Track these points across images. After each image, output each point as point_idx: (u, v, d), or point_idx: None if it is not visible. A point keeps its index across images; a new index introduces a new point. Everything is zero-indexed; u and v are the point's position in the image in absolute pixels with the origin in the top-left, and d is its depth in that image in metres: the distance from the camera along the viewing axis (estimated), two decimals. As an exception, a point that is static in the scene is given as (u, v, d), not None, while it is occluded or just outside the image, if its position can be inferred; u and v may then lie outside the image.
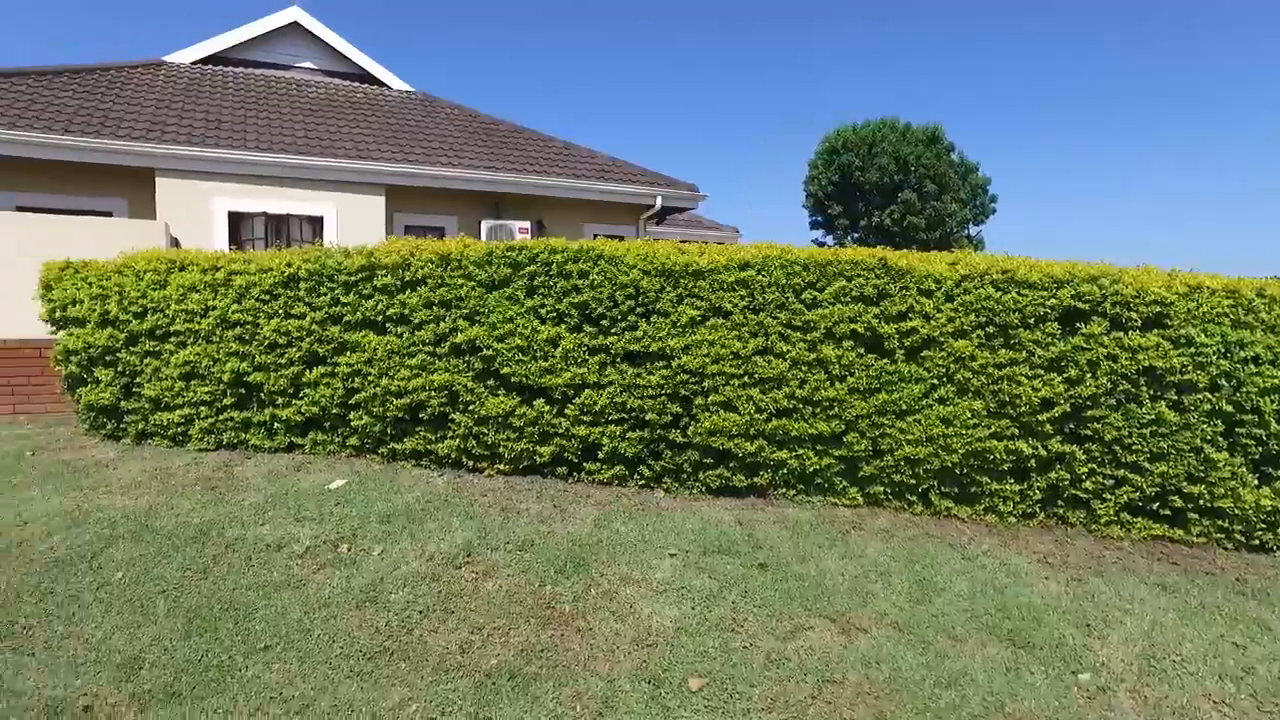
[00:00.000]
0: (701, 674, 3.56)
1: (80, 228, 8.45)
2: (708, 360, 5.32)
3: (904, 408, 5.34)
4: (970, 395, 5.33)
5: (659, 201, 12.92)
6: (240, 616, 3.80)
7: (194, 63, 13.38)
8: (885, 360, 5.38)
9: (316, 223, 10.85)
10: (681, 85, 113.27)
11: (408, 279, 5.63)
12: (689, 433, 5.41)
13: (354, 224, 10.85)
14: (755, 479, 5.53)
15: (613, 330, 5.41)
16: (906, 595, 4.35)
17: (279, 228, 10.66)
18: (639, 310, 5.39)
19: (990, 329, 5.28)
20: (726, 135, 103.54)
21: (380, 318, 5.73)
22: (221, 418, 6.09)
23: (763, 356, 5.37)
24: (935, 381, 5.35)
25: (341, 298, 5.78)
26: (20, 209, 9.93)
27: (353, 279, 5.76)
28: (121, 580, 4.10)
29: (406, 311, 5.63)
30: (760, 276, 5.35)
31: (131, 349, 6.19)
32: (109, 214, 10.39)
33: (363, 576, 4.17)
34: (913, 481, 5.44)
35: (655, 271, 5.36)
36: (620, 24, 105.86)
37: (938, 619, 4.12)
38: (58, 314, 6.38)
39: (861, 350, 5.39)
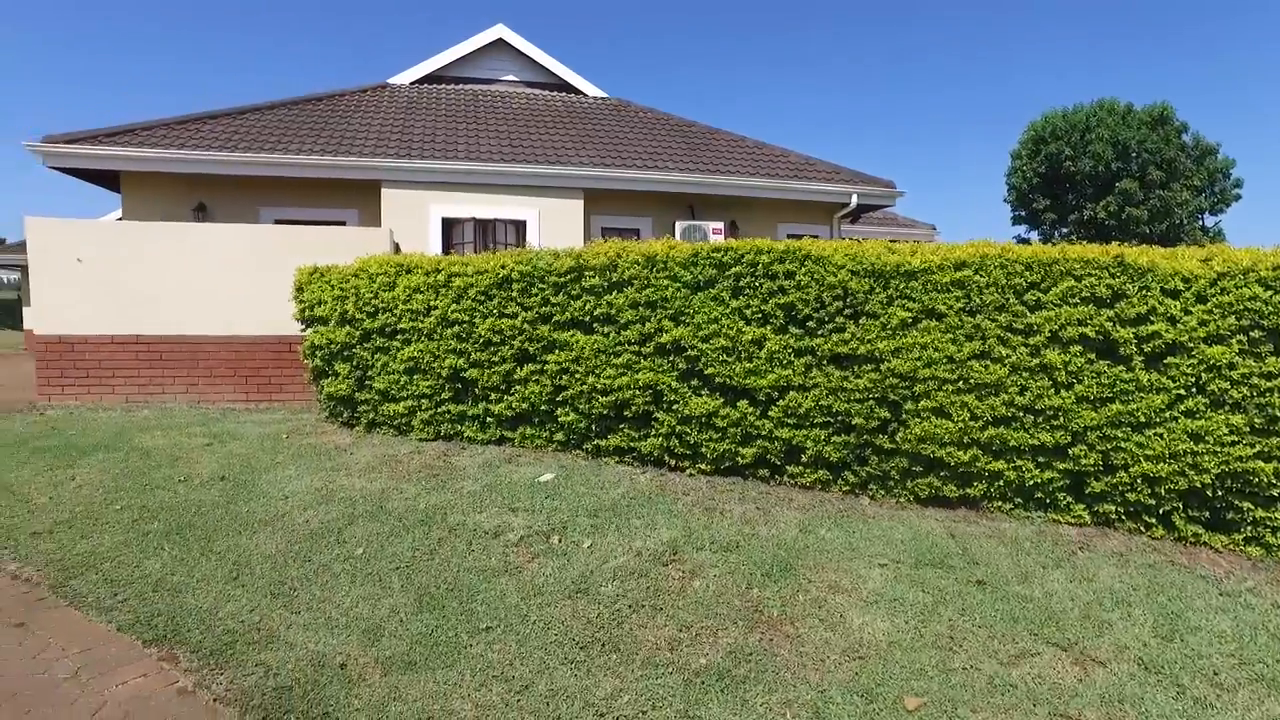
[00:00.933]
0: (918, 693, 3.36)
1: (324, 236, 9.40)
2: (919, 364, 5.04)
3: (1142, 420, 4.78)
4: (1228, 409, 4.69)
5: (854, 200, 12.51)
6: (464, 597, 4.03)
7: (412, 83, 14.54)
8: (1120, 367, 4.85)
9: (520, 226, 11.44)
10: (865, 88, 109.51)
11: (614, 280, 5.77)
12: (897, 439, 5.16)
13: (555, 227, 11.34)
14: (968, 490, 5.17)
15: (819, 332, 5.26)
16: (1151, 629, 3.88)
17: (486, 231, 11.34)
18: (847, 312, 5.21)
19: (1256, 334, 4.62)
20: (915, 132, 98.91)
21: (588, 318, 5.91)
22: (440, 410, 6.54)
23: (979, 361, 5.01)
24: (1181, 392, 4.76)
25: (551, 298, 6.03)
26: (279, 222, 11.23)
27: (562, 280, 5.99)
28: (362, 555, 4.49)
29: (613, 312, 5.77)
30: (978, 277, 5.00)
31: (365, 345, 6.79)
32: (343, 223, 11.52)
33: (574, 568, 4.31)
34: (1151, 502, 4.87)
35: (864, 272, 5.15)
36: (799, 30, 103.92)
37: (1193, 661, 3.65)
38: (306, 313, 7.13)
39: (1091, 356, 4.89)
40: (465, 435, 6.51)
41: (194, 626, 3.72)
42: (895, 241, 5.54)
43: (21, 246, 24.04)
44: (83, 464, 6.01)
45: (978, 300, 5.01)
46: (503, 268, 6.21)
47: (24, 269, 23.48)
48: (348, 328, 6.82)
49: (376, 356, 6.75)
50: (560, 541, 4.63)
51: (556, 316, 6.04)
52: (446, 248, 11.15)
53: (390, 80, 14.45)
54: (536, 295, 6.09)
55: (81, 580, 4.19)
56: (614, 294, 5.79)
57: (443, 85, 14.60)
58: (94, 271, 8.69)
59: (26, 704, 3.13)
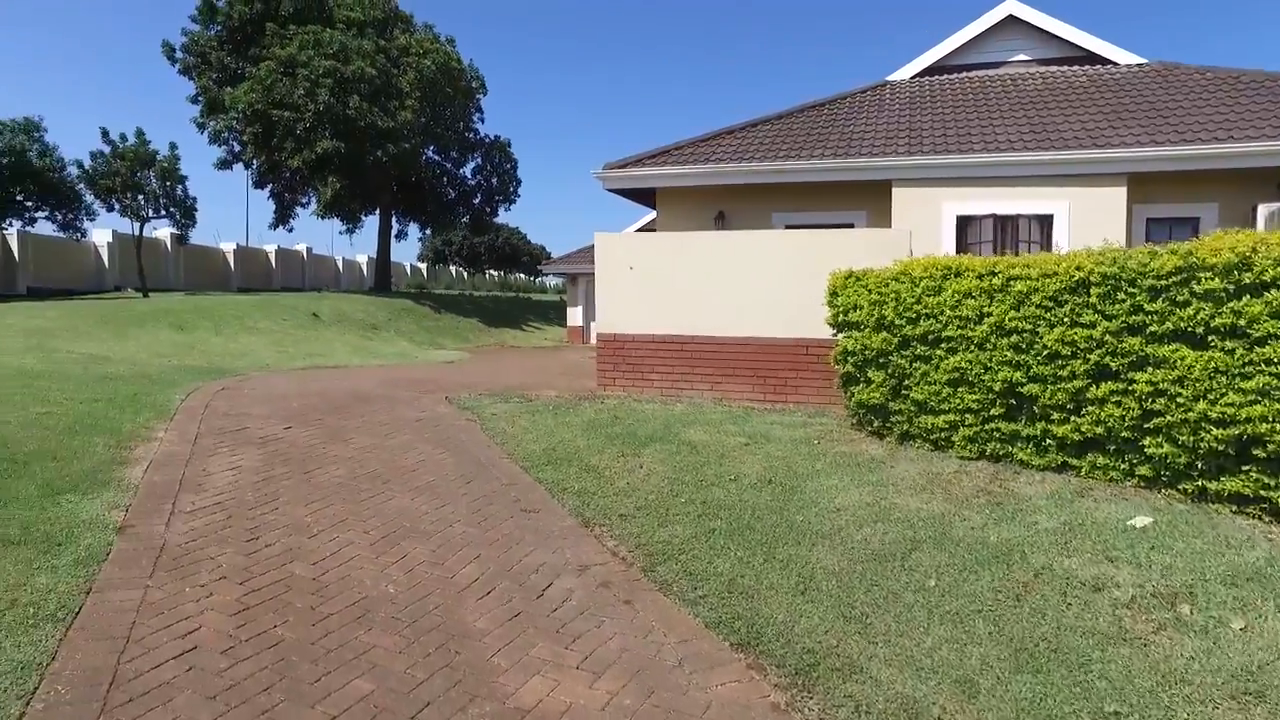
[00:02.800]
0: None
1: (841, 240, 9.41)
2: None
3: None
4: None
5: None
6: (1072, 664, 3.40)
7: (912, 78, 13.98)
8: None
9: (1045, 221, 10.17)
10: None
11: (1247, 282, 4.55)
12: None
13: (1088, 220, 9.83)
14: None
15: None
16: None
17: (1005, 229, 10.31)
18: None
19: None
20: None
21: (1199, 329, 4.77)
22: (987, 427, 5.93)
23: None
24: None
25: (1145, 305, 5.01)
26: (789, 226, 11.68)
27: (1162, 283, 4.93)
28: (935, 588, 4.12)
29: (1242, 322, 4.56)
30: None
31: (903, 352, 6.48)
32: (851, 225, 11.49)
33: (1230, 656, 3.37)
34: None
35: None
36: None
37: None
38: (839, 318, 7.09)
39: None
40: (1016, 458, 5.80)
41: (773, 638, 3.70)
42: None
43: (565, 259, 29.30)
44: (645, 453, 6.72)
45: None
46: (1078, 269, 5.35)
47: (569, 276, 28.58)
48: (884, 334, 6.59)
49: (915, 365, 6.39)
50: (1193, 613, 3.71)
51: (1151, 327, 5.00)
52: (960, 247, 10.41)
53: (889, 78, 14.10)
54: (1124, 301, 5.11)
55: (665, 568, 4.52)
56: (1245, 300, 4.56)
57: (945, 76, 13.77)
58: (640, 278, 9.88)
59: (650, 684, 3.35)
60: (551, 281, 79.32)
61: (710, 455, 6.61)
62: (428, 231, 46.54)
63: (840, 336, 7.14)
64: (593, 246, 29.90)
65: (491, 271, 68.20)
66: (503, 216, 35.93)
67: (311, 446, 6.67)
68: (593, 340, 29.08)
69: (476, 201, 34.52)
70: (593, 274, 27.85)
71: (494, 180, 34.40)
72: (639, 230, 30.40)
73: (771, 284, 9.37)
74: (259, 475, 5.82)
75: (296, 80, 25.09)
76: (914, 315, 6.37)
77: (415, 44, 28.18)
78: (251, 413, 7.76)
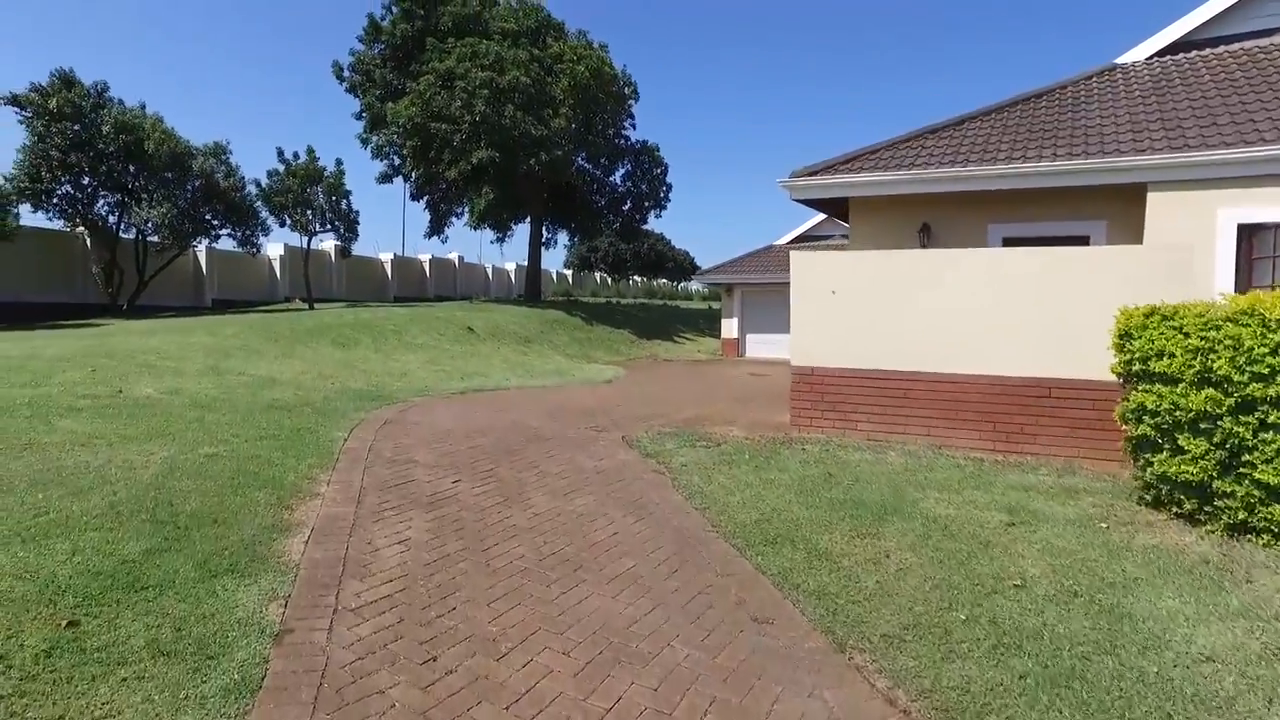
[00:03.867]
0: None
1: (1091, 258, 7.71)
2: None
3: None
4: None
5: None
6: None
7: (1149, 58, 11.85)
8: None
9: (1367, 230, 8.03)
10: None
11: None
12: None
13: None
14: None
15: None
16: None
17: (1310, 241, 8.24)
18: None
19: None
20: None
21: None
22: (1391, 531, 4.23)
23: None
24: None
25: None
26: (1008, 240, 10.00)
27: None
28: None
29: None
30: None
31: (1242, 418, 4.85)
32: (1086, 238, 9.68)
33: None
34: None
35: None
36: None
37: None
38: (1136, 366, 5.50)
39: None
40: None
41: None
42: None
43: (720, 269, 28.13)
44: (885, 533, 5.41)
45: None
46: None
47: (724, 287, 27.40)
48: (1212, 391, 4.97)
49: (1263, 436, 4.75)
50: None
51: None
52: (1243, 265, 8.42)
53: (1118, 61, 12.02)
54: None
55: (976, 739, 3.23)
56: None
57: (1195, 53, 11.55)
58: (843, 304, 8.55)
59: None
60: (695, 287, 78.56)
61: (970, 541, 5.22)
62: (575, 239, 46.66)
63: (1137, 390, 5.54)
64: (750, 255, 28.56)
65: (635, 277, 68.11)
66: (649, 223, 35.00)
67: (485, 511, 5.79)
68: (747, 353, 27.96)
69: (626, 208, 33.96)
70: (749, 284, 26.65)
71: (644, 186, 33.73)
72: (795, 241, 28.80)
73: (1004, 313, 7.81)
74: (430, 553, 4.96)
75: (454, 92, 25.26)
76: (1266, 370, 4.73)
77: (568, 50, 27.85)
78: (416, 459, 7.03)
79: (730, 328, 27.23)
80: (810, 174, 10.44)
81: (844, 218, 11.72)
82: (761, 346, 26.80)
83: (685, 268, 75.98)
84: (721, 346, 27.46)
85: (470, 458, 7.22)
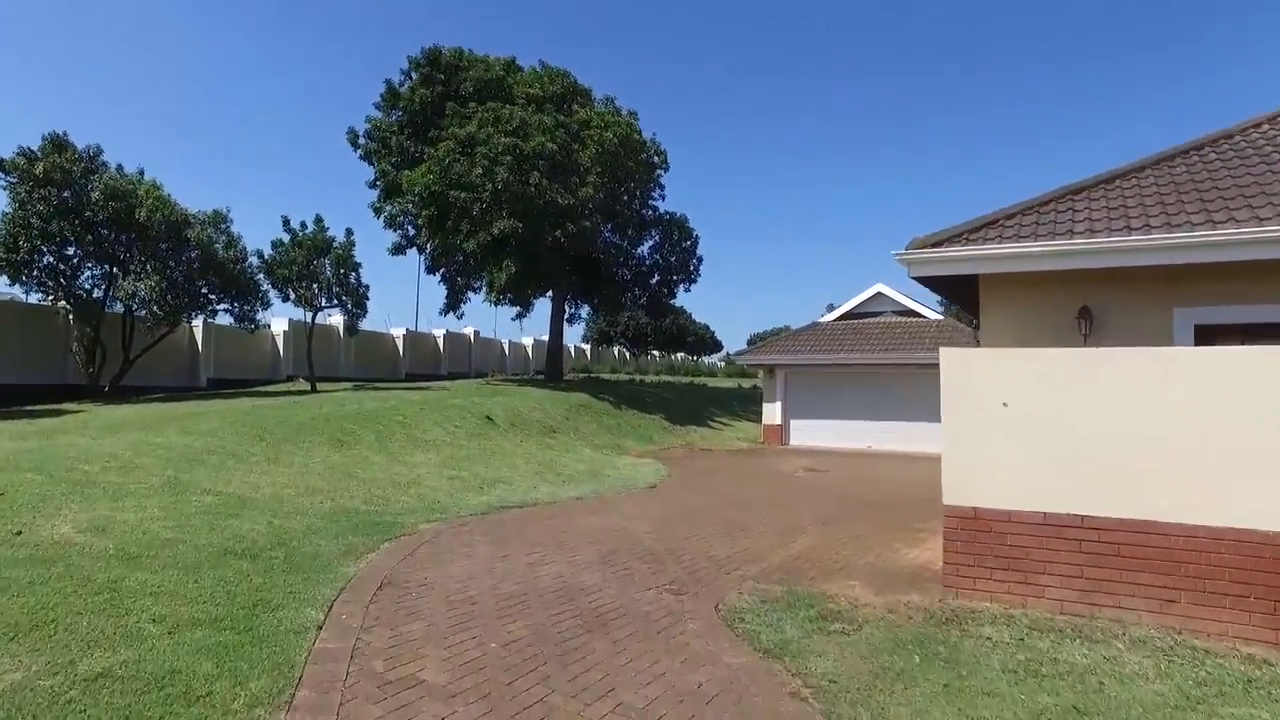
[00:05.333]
0: None
1: None
2: None
3: None
4: None
5: None
6: None
7: (1326, 105, 9.66)
8: None
9: None
10: None
11: None
12: None
13: None
14: None
15: None
16: None
17: None
18: None
19: None
20: None
21: None
22: None
23: None
24: None
25: None
26: (1203, 328, 7.64)
27: None
28: None
29: None
30: None
31: None
32: (1309, 326, 7.30)
33: None
34: None
35: None
36: None
37: None
38: None
39: None
40: None
41: None
42: None
43: (760, 348, 25.85)
44: None
45: None
46: None
47: (765, 368, 25.04)
48: None
49: None
50: None
51: None
52: None
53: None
54: None
55: None
56: None
57: None
58: (1019, 419, 6.13)
59: None
60: (716, 362, 76.22)
61: None
62: (598, 314, 44.76)
63: None
64: (794, 333, 26.22)
65: (654, 352, 66.10)
66: (677, 297, 32.91)
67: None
68: (791, 441, 25.33)
69: (654, 282, 31.94)
70: (793, 365, 24.19)
71: (672, 259, 31.78)
72: (843, 317, 26.47)
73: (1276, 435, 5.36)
74: None
75: (475, 159, 23.52)
76: None
77: (595, 117, 26.25)
78: (424, 676, 4.52)
79: (773, 413, 24.74)
80: (935, 245, 8.16)
81: (966, 301, 9.40)
82: (807, 433, 24.27)
83: (706, 342, 74.07)
84: (763, 433, 24.92)
85: (504, 667, 4.71)
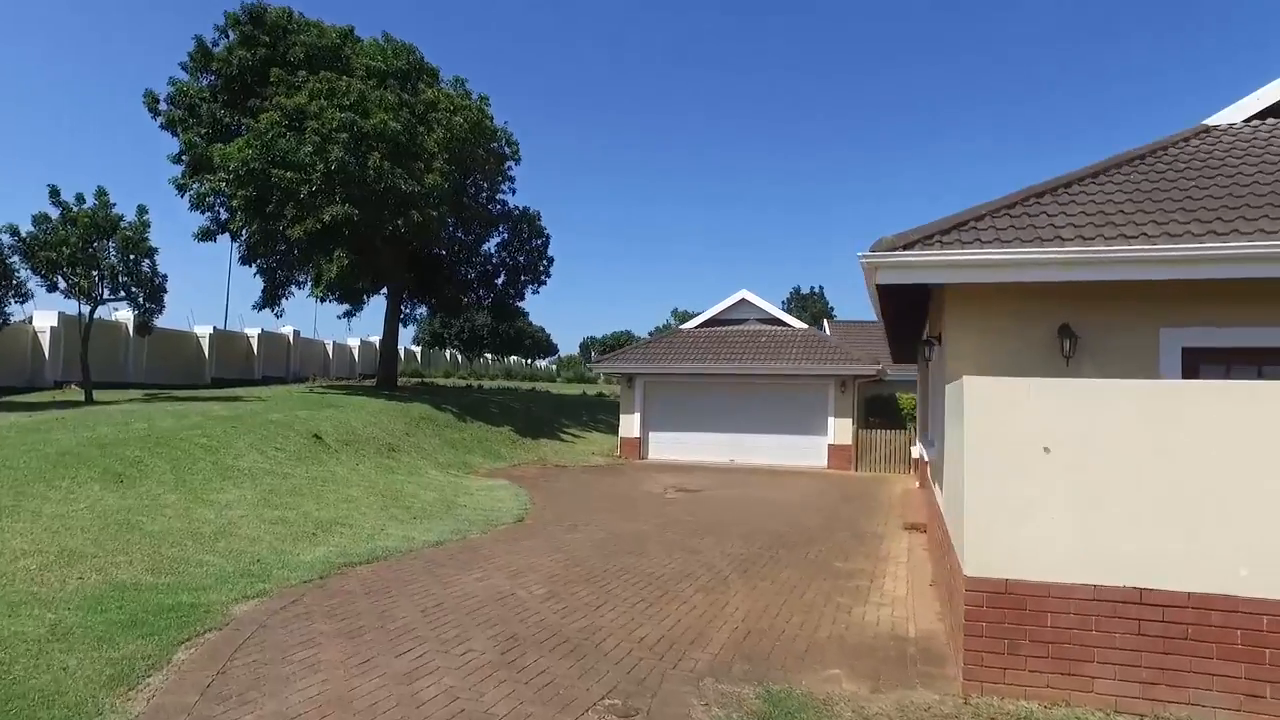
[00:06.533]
0: None
1: None
2: None
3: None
4: None
5: None
6: None
7: (1246, 121, 9.43)
8: None
9: None
10: None
11: None
12: None
13: None
14: None
15: None
16: None
17: None
18: None
19: None
20: None
21: None
22: None
23: None
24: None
25: None
26: (1191, 351, 6.80)
27: None
28: None
29: None
30: None
31: None
32: (1299, 353, 6.64)
33: None
34: None
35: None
36: None
37: None
38: None
39: None
40: None
41: None
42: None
43: (619, 356, 24.27)
44: None
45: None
46: None
47: (625, 377, 23.47)
48: None
49: None
50: None
51: None
52: None
53: (1208, 122, 9.52)
54: None
55: None
56: None
57: None
58: (1067, 469, 4.83)
59: None
60: (542, 364, 74.05)
61: None
62: (437, 315, 41.76)
63: None
64: (652, 341, 24.80)
65: (488, 355, 63.25)
66: (526, 299, 30.79)
67: None
68: (650, 455, 23.82)
69: (500, 282, 29.66)
70: (654, 375, 22.76)
71: (521, 258, 29.66)
72: (705, 325, 25.38)
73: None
74: None
75: (305, 135, 20.35)
76: None
77: (444, 99, 23.71)
78: None
79: (631, 424, 23.26)
80: (907, 246, 6.84)
81: (905, 317, 8.20)
82: (667, 446, 23.00)
83: (543, 346, 71.95)
84: (620, 446, 23.38)
85: None
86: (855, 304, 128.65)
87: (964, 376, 5.09)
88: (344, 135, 20.24)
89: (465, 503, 12.80)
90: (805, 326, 24.51)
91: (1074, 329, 6.96)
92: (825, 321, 37.43)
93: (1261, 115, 9.37)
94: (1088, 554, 4.82)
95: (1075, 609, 4.83)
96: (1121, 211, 7.12)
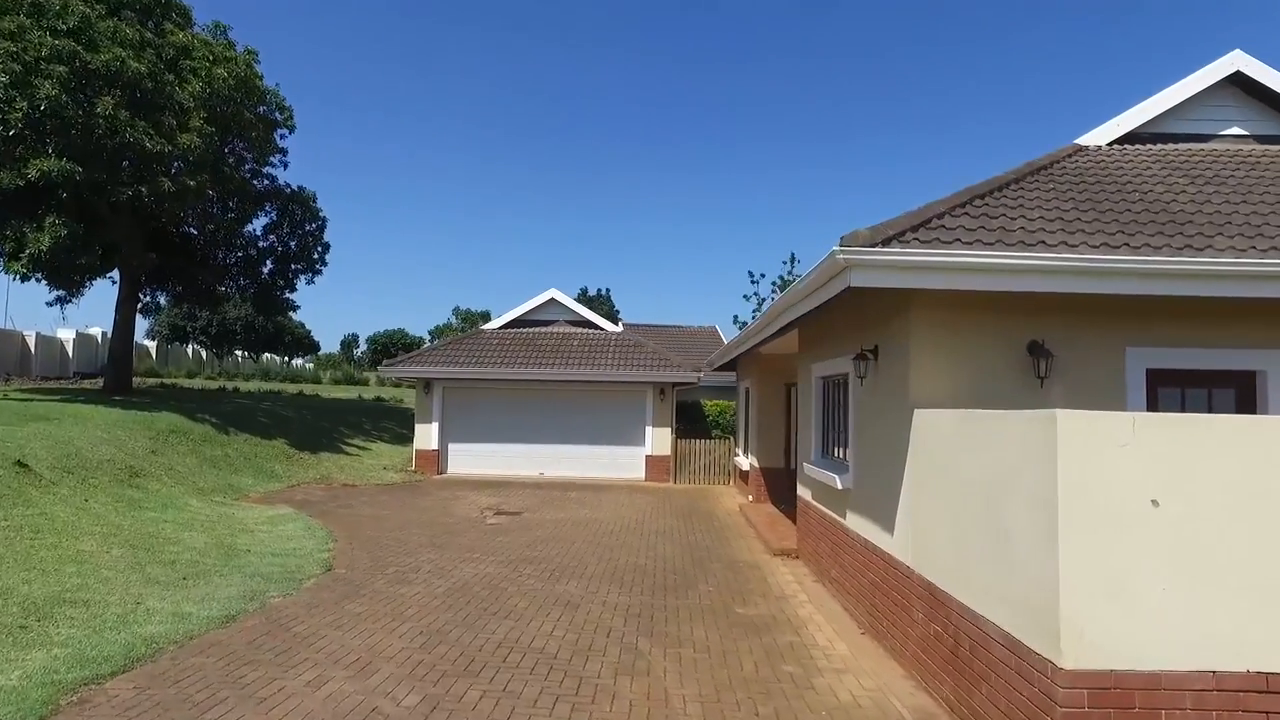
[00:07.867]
0: None
1: None
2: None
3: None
4: None
5: None
6: None
7: (1110, 144, 9.45)
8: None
9: None
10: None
11: None
12: None
13: None
14: None
15: None
16: None
17: None
18: None
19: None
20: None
21: None
22: None
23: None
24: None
25: None
26: (1155, 372, 6.22)
27: None
28: None
29: None
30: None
31: None
32: (1250, 377, 6.31)
33: None
34: None
35: None
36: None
37: None
38: None
39: None
40: None
41: None
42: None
43: (418, 358, 21.54)
44: None
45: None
46: None
47: (423, 382, 20.77)
48: None
49: None
50: None
51: None
52: None
53: (1080, 141, 9.43)
54: None
55: None
56: None
57: (1142, 145, 9.38)
58: (1179, 526, 3.77)
59: None
60: (298, 362, 67.00)
61: None
62: (184, 305, 35.76)
63: None
64: (451, 342, 22.32)
65: (238, 352, 56.08)
66: (297, 290, 26.81)
67: None
68: (449, 469, 21.14)
69: (267, 270, 25.55)
70: (455, 380, 20.31)
71: (293, 243, 25.76)
72: (509, 325, 23.16)
73: None
74: None
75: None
76: None
77: (200, 45, 19.67)
78: None
79: (428, 435, 20.71)
80: (885, 242, 5.62)
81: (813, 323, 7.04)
82: (469, 459, 20.76)
83: (304, 343, 65.21)
84: (416, 460, 20.75)
85: None
86: (642, 307, 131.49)
87: (1056, 412, 3.86)
88: (60, 69, 15.86)
89: (248, 545, 9.99)
90: (618, 329, 23.30)
91: (1047, 344, 6.14)
92: (618, 324, 36.71)
93: (1122, 141, 9.38)
94: (1203, 632, 3.79)
95: (1192, 702, 3.78)
96: (1079, 219, 6.45)
